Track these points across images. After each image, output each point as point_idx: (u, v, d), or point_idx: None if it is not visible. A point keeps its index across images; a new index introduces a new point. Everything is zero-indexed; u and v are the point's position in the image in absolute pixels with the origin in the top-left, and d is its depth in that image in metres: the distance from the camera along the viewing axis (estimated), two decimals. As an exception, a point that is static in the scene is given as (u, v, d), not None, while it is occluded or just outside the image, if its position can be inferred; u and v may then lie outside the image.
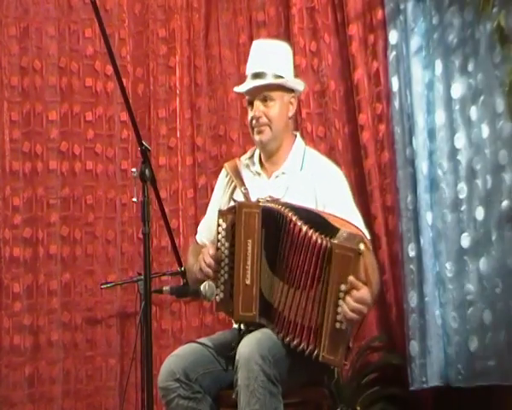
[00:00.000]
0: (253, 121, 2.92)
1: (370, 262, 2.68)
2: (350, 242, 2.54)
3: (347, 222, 2.69)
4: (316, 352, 2.58)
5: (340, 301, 2.53)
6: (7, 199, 4.05)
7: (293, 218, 2.64)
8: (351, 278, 2.51)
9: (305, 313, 2.60)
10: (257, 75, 2.92)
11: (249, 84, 2.94)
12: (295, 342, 2.61)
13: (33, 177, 4.11)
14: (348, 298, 2.52)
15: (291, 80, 2.98)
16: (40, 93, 4.15)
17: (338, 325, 2.54)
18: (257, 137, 2.93)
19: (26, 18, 4.16)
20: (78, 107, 4.24)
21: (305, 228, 2.61)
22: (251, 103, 2.95)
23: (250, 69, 2.97)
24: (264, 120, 2.91)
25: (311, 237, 2.60)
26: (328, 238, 2.57)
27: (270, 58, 2.94)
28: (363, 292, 2.54)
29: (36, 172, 4.11)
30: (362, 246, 2.52)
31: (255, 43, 3.07)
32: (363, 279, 2.56)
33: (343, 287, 2.53)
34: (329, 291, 2.55)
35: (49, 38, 4.19)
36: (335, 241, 2.55)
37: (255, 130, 2.93)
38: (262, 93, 2.91)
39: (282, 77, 2.93)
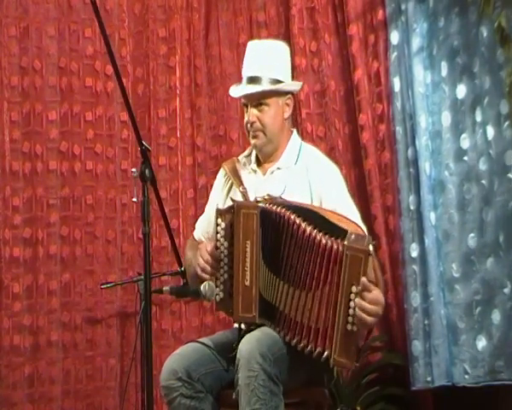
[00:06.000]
0: (248, 126, 2.92)
1: (377, 263, 2.65)
2: (359, 243, 2.51)
3: (348, 219, 2.67)
4: (326, 354, 2.53)
5: (352, 303, 2.49)
6: (7, 199, 4.04)
7: (293, 217, 2.62)
8: (363, 279, 2.46)
9: (312, 314, 2.57)
10: (252, 80, 2.90)
11: (244, 89, 2.92)
12: (302, 344, 2.58)
13: (33, 177, 4.11)
14: (361, 300, 2.47)
15: (287, 84, 2.95)
16: (40, 93, 4.15)
17: (349, 326, 2.49)
18: (252, 141, 2.94)
19: (26, 18, 4.16)
20: (78, 107, 4.24)
21: (309, 229, 2.58)
22: (246, 106, 2.94)
23: (245, 72, 2.95)
24: (257, 125, 2.90)
25: (317, 238, 2.56)
26: (338, 241, 2.53)
27: (266, 61, 2.91)
28: (376, 293, 2.49)
29: (36, 172, 4.11)
30: (371, 247, 2.51)
31: (251, 44, 3.03)
32: (374, 280, 2.52)
33: (354, 288, 2.48)
34: (340, 293, 2.51)
35: (49, 38, 4.19)
36: (345, 242, 2.52)
37: (250, 134, 2.93)
38: (257, 99, 2.89)
39: (277, 80, 2.89)
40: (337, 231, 2.57)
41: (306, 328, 2.58)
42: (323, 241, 2.56)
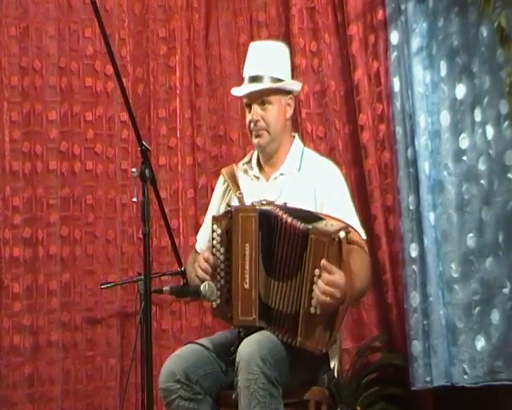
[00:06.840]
0: (251, 125, 2.93)
1: (360, 257, 2.68)
2: (327, 228, 2.53)
3: (340, 221, 2.69)
4: (293, 338, 2.57)
5: (314, 286, 2.52)
6: (7, 199, 4.04)
7: (281, 213, 2.64)
8: (323, 261, 2.49)
9: (288, 301, 2.60)
10: (254, 78, 2.92)
11: (247, 88, 2.94)
12: (277, 332, 2.61)
13: (33, 177, 4.11)
14: (319, 282, 2.50)
15: (288, 82, 2.98)
16: (40, 93, 4.15)
17: (313, 309, 2.53)
18: (255, 141, 2.94)
19: (26, 18, 4.16)
20: (78, 107, 4.24)
21: (289, 219, 2.62)
22: (248, 106, 2.95)
23: (247, 72, 2.97)
24: (261, 124, 2.91)
25: (293, 225, 2.60)
26: (305, 224, 2.57)
27: (267, 60, 2.94)
28: (337, 276, 2.49)
29: (36, 172, 4.11)
30: (342, 234, 2.52)
31: (252, 44, 3.06)
32: (339, 265, 2.52)
33: (317, 272, 2.52)
34: (305, 277, 2.55)
35: (49, 38, 4.18)
36: (310, 226, 2.55)
37: (253, 133, 2.94)
38: (260, 97, 2.91)
39: (279, 79, 2.92)
40: (312, 219, 2.60)
41: (284, 316, 2.60)
42: (296, 225, 2.59)
